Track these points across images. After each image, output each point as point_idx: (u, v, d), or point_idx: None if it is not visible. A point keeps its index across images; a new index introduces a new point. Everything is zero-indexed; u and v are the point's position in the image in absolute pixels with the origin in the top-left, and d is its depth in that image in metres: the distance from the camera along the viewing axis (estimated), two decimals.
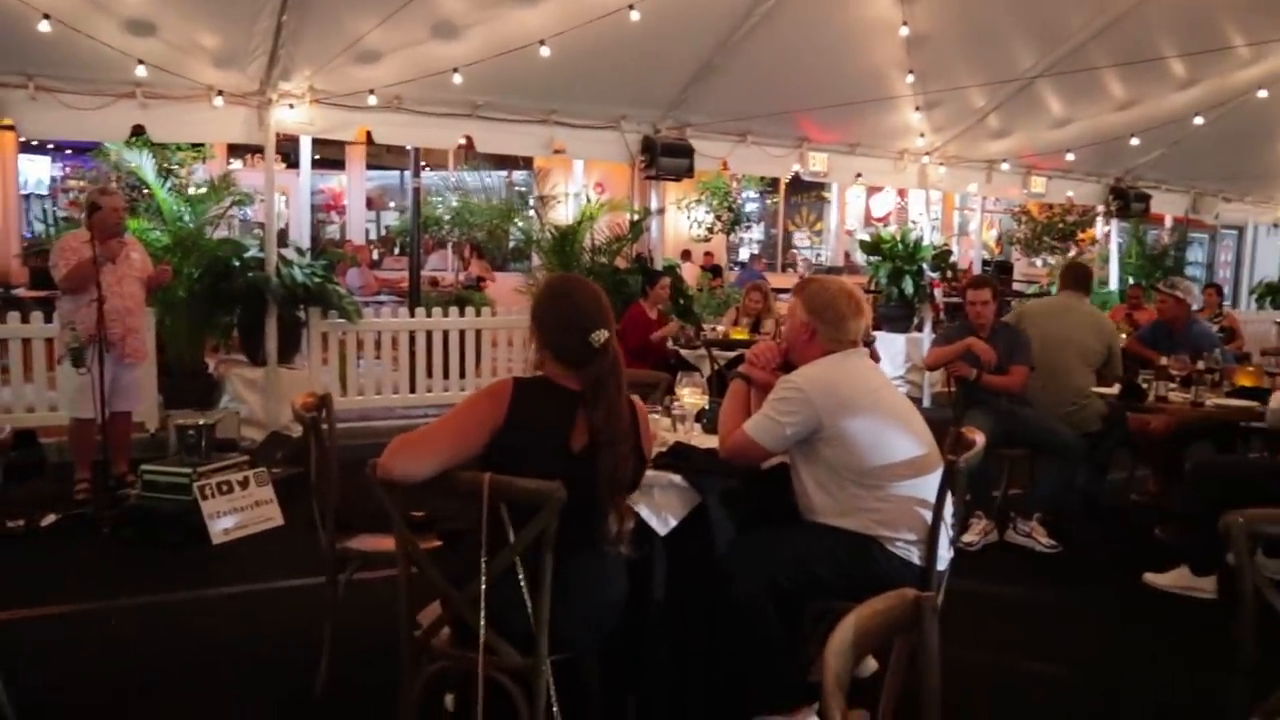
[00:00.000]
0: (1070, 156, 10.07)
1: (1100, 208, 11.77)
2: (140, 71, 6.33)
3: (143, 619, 4.11)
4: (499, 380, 2.58)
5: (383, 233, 16.11)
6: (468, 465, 2.45)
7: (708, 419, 3.64)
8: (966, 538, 5.22)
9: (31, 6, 5.63)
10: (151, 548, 4.99)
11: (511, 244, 12.18)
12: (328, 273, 7.72)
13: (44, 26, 5.70)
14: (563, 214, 9.64)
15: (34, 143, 12.25)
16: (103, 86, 6.49)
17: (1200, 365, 5.47)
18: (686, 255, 14.38)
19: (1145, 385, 5.45)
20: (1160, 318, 6.41)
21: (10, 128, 6.80)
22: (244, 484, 5.35)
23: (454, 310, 8.31)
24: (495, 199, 12.28)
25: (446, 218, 12.80)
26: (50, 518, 5.29)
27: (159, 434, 6.87)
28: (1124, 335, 6.75)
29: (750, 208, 16.66)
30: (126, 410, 5.93)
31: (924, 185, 10.07)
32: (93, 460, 5.70)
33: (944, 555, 2.99)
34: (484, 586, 2.37)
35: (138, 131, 6.77)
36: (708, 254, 15.00)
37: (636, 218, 8.90)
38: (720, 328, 8.29)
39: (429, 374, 8.07)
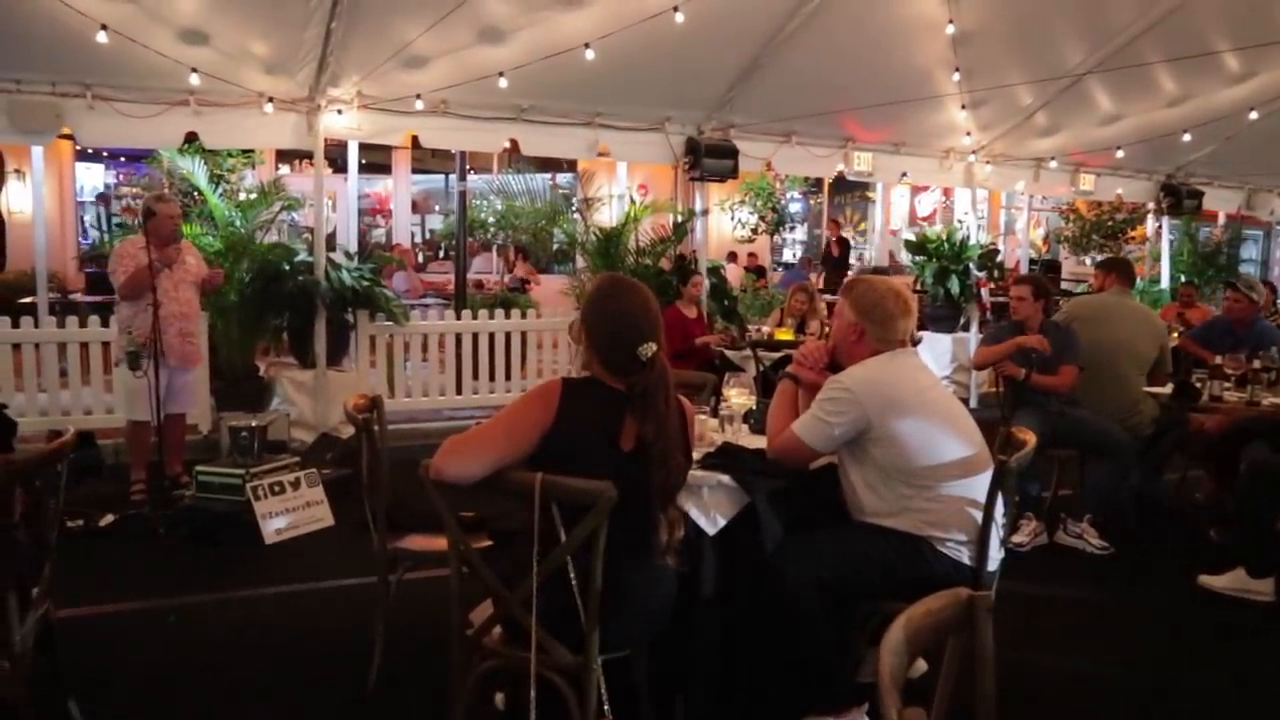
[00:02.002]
0: (1120, 153, 9.90)
1: (1150, 205, 11.56)
2: (193, 79, 6.43)
3: (198, 617, 4.16)
4: (548, 381, 2.60)
5: (428, 236, 16.24)
6: (518, 465, 2.47)
7: (755, 419, 3.64)
8: (1016, 539, 5.16)
9: (90, 18, 5.76)
10: (206, 547, 5.06)
11: (556, 246, 12.17)
12: (375, 276, 7.79)
13: (102, 37, 5.81)
14: (607, 216, 9.66)
15: (89, 150, 12.47)
16: (157, 95, 6.61)
17: (1256, 364, 5.37)
18: (732, 257, 14.35)
19: (1200, 385, 5.35)
20: (1227, 316, 6.29)
21: (69, 136, 6.90)
22: (295, 485, 5.42)
23: (499, 313, 8.33)
24: (540, 202, 12.28)
25: (491, 221, 12.84)
26: (108, 517, 5.38)
27: (212, 436, 6.97)
28: (1174, 334, 6.64)
29: (794, 208, 16.59)
30: (181, 412, 6.02)
31: (970, 184, 9.97)
32: (148, 461, 5.79)
33: (994, 556, 2.97)
34: (535, 586, 2.39)
35: (191, 138, 6.88)
36: (751, 255, 14.96)
37: (680, 219, 8.93)
38: (765, 329, 8.25)
39: (475, 376, 8.09)
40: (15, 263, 10.70)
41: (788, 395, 3.25)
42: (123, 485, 5.86)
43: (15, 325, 6.77)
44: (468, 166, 10.24)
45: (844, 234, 15.16)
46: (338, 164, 10.16)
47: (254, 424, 5.59)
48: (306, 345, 7.44)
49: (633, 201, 9.03)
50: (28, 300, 8.50)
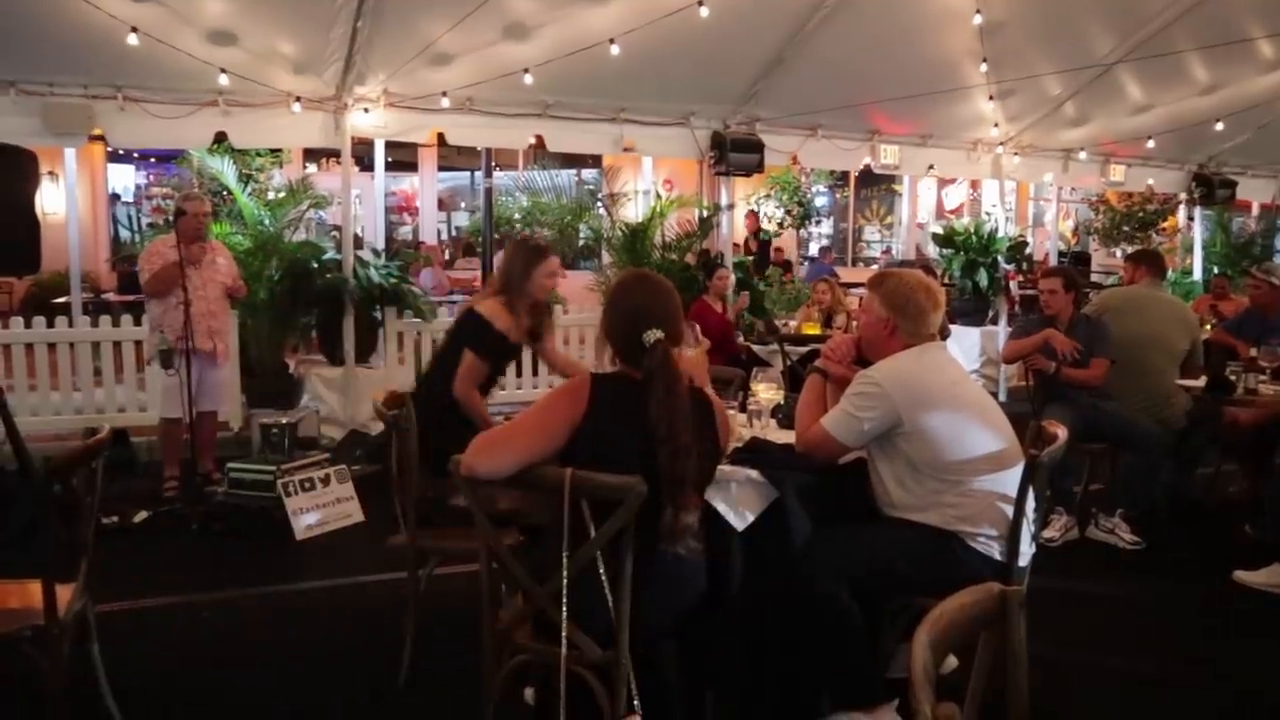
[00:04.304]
0: (1151, 143, 9.79)
1: (1182, 195, 11.43)
2: (222, 80, 6.49)
3: (231, 612, 4.21)
4: (577, 376, 2.62)
5: (454, 233, 16.26)
6: (549, 462, 2.49)
7: (784, 414, 3.62)
8: (1047, 534, 5.12)
9: (121, 20, 5.82)
10: (238, 543, 5.12)
11: (581, 242, 12.16)
12: (403, 273, 7.81)
13: (132, 40, 5.88)
14: (632, 212, 9.63)
15: (120, 151, 12.58)
16: (187, 95, 6.67)
17: None
18: (774, 254, 14.28)
19: (1234, 378, 5.29)
20: (1253, 304, 6.20)
21: (100, 138, 6.97)
22: (325, 481, 5.45)
23: None
24: (565, 198, 12.30)
25: (517, 217, 12.85)
26: (142, 514, 5.44)
27: (243, 433, 7.03)
28: (1208, 327, 6.55)
29: (820, 202, 16.52)
30: (212, 410, 6.07)
31: (998, 176, 9.89)
32: (181, 459, 5.86)
33: (1026, 551, 2.95)
34: (565, 582, 2.40)
35: (220, 138, 6.94)
36: (778, 249, 14.91)
37: (706, 214, 8.90)
38: (793, 323, 8.23)
39: (502, 372, 8.03)
40: (49, 263, 10.75)
41: (816, 390, 3.24)
42: (156, 482, 5.92)
43: (50, 325, 6.85)
44: (493, 163, 10.29)
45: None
46: (364, 162, 10.13)
47: (284, 421, 5.65)
48: (335, 342, 7.47)
49: (658, 196, 9.03)
50: (62, 300, 8.64)
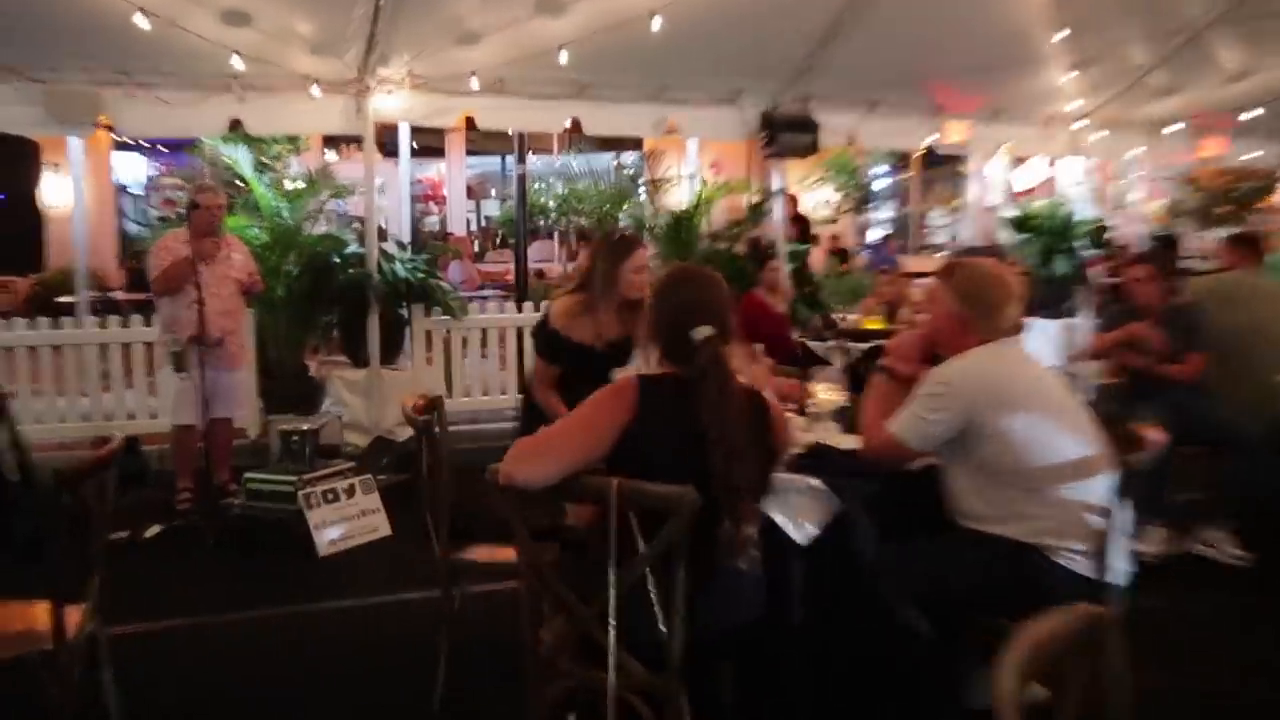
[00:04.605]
0: (1248, 115, 9.59)
1: None
2: (236, 63, 6.52)
3: (250, 633, 4.24)
4: (623, 378, 2.64)
5: (484, 223, 16.34)
6: (593, 469, 2.50)
7: (846, 417, 3.61)
8: (1141, 547, 5.02)
9: (128, 1, 5.86)
10: (257, 559, 5.18)
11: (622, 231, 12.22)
12: (430, 267, 7.83)
13: (140, 20, 5.92)
14: (676, 199, 9.61)
15: (129, 141, 12.67)
16: (198, 80, 6.73)
17: None
18: (812, 239, 14.17)
19: None
20: None
21: (108, 127, 7.05)
22: (350, 492, 5.49)
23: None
24: (604, 184, 12.26)
25: (552, 205, 12.88)
26: (154, 529, 5.51)
27: (260, 440, 7.09)
28: None
29: (880, 185, 16.37)
30: (227, 416, 6.12)
31: (1077, 153, 9.75)
32: (195, 468, 5.92)
33: (1122, 569, 2.88)
34: (614, 601, 2.39)
35: (234, 126, 6.99)
36: (834, 237, 14.79)
37: (756, 200, 8.83)
38: (852, 317, 8.17)
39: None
40: (54, 260, 10.99)
41: (882, 391, 3.22)
42: (168, 494, 5.97)
43: (55, 326, 6.96)
44: (526, 148, 10.28)
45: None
46: (388, 148, 10.26)
47: (305, 428, 5.69)
48: (358, 342, 7.51)
49: (704, 182, 8.97)
50: (68, 299, 8.73)
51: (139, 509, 5.70)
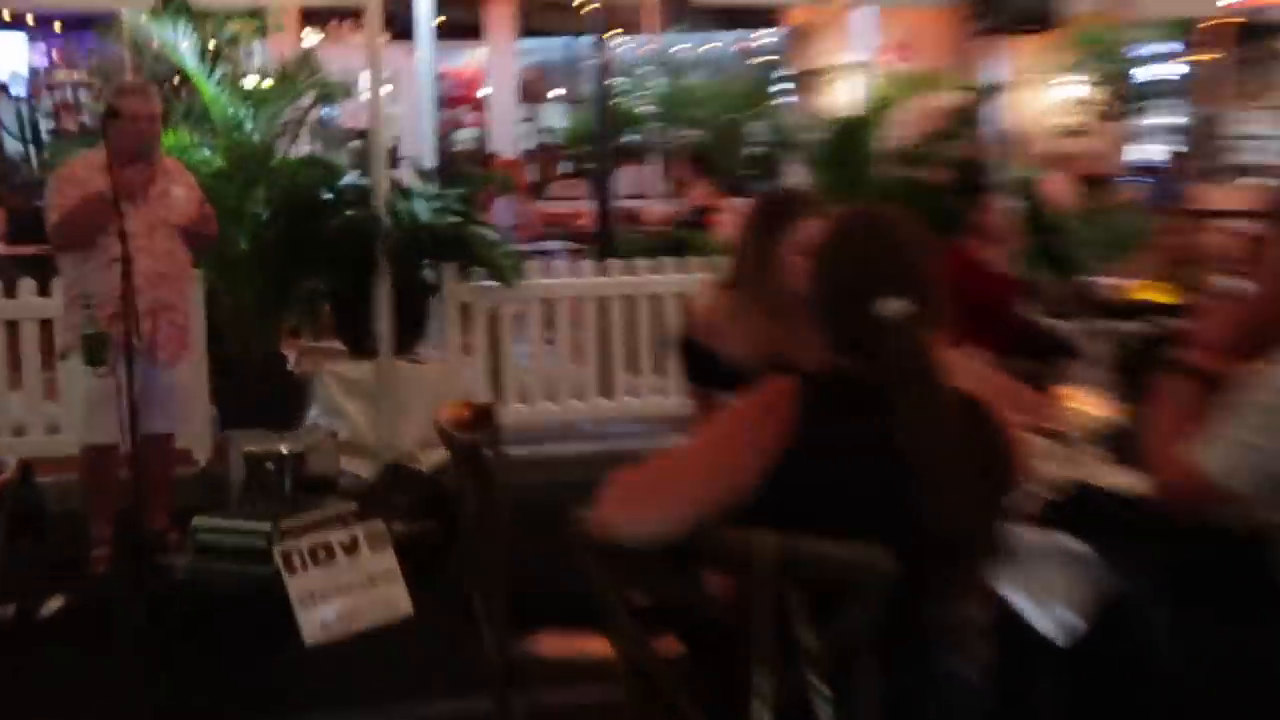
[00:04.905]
0: None
1: None
2: None
3: None
4: (771, 380, 2.57)
5: (545, 140, 16.47)
6: (727, 517, 2.44)
7: (1119, 441, 3.57)
8: None
9: None
10: (211, 650, 5.06)
11: (755, 152, 12.05)
12: (468, 207, 7.78)
13: None
14: (839, 100, 9.61)
15: (5, 16, 12.75)
16: None
17: None
18: (1055, 162, 13.87)
19: None
20: None
21: None
22: (350, 548, 5.37)
23: (669, 263, 8.22)
24: (726, 79, 12.32)
25: (649, 112, 12.81)
26: (54, 602, 5.43)
27: (214, 468, 7.08)
28: None
29: (1158, 75, 16.01)
30: (165, 431, 6.07)
31: None
32: (116, 510, 5.88)
33: None
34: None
35: None
36: (1087, 159, 14.49)
37: (963, 101, 8.82)
38: (1119, 281, 7.92)
39: (631, 368, 8.03)
40: None
41: (1178, 399, 2.98)
42: (77, 547, 5.93)
43: None
44: (608, 25, 10.30)
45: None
46: (400, 26, 10.14)
47: (284, 450, 5.74)
48: (360, 321, 7.51)
49: (883, 74, 8.96)
50: None
51: (32, 571, 5.71)
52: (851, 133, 8.59)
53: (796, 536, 2.33)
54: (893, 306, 2.45)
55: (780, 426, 2.45)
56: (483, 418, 3.49)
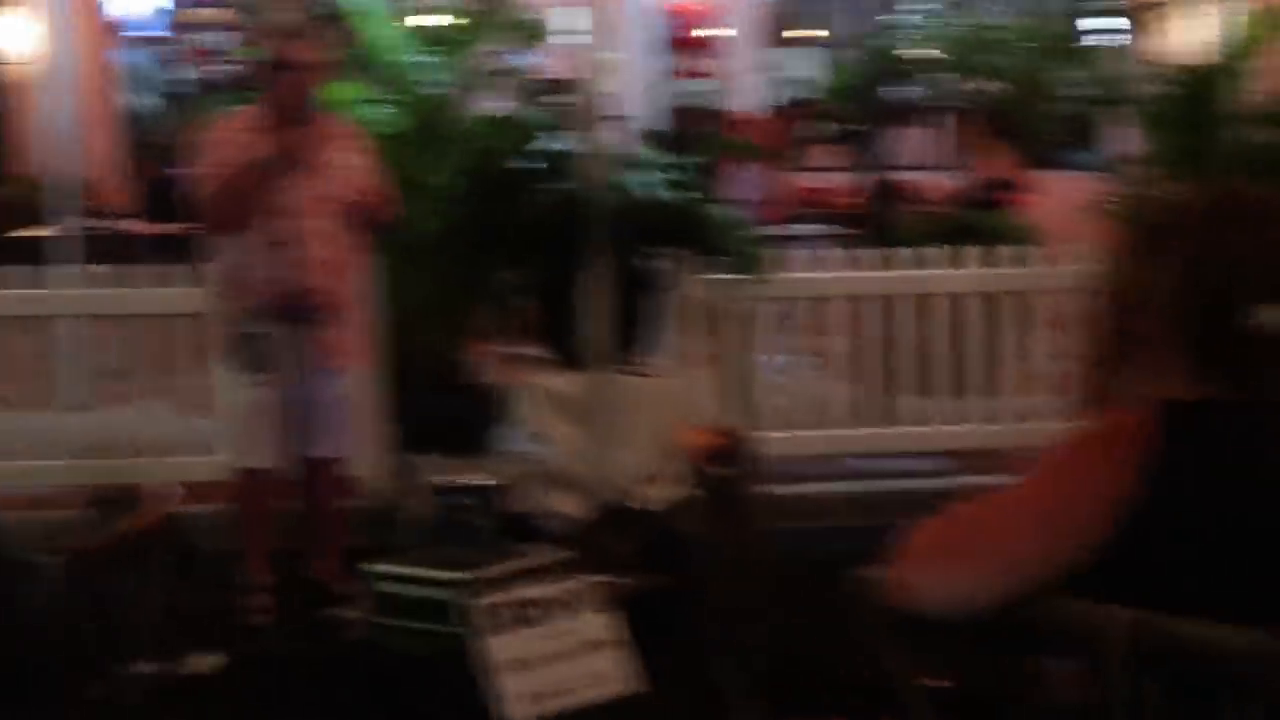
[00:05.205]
0: None
1: None
2: None
3: None
4: (1116, 413, 2.55)
5: (796, 96, 16.02)
6: (1060, 584, 2.41)
7: None
8: None
9: None
10: None
11: (1069, 110, 12.01)
12: (704, 179, 7.98)
13: None
14: (1183, 45, 9.31)
15: None
16: None
17: None
18: None
19: None
20: None
21: None
22: (564, 606, 5.50)
23: (971, 254, 8.28)
24: (1033, 17, 12.22)
25: (932, 59, 12.91)
26: (209, 660, 5.69)
27: (390, 501, 7.30)
28: None
29: None
30: (332, 455, 6.35)
31: None
32: (273, 549, 6.18)
33: None
34: None
35: None
36: None
37: None
38: None
39: (918, 387, 8.13)
40: (10, 162, 11.65)
41: None
42: (230, 595, 6.19)
43: (29, 284, 7.40)
44: None
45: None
46: None
47: (481, 483, 5.87)
48: (570, 322, 7.62)
49: (1248, 8, 8.92)
50: (33, 234, 9.27)
51: (181, 621, 5.72)
52: (1203, 85, 8.57)
53: (1160, 615, 2.31)
54: (1274, 316, 2.53)
55: (1127, 470, 2.42)
56: (737, 449, 3.55)
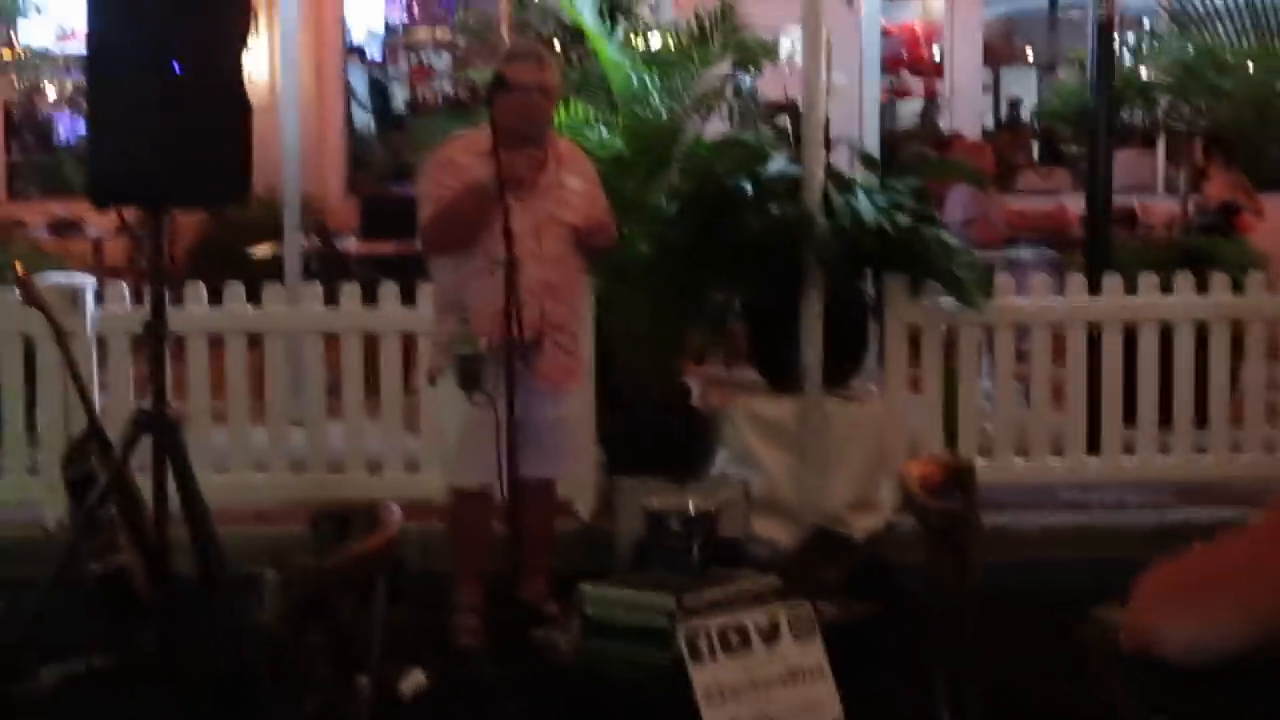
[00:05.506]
0: None
1: None
2: None
3: None
4: None
5: (1010, 115, 16.31)
6: None
7: None
8: None
9: None
10: None
11: None
12: (921, 204, 7.84)
13: None
14: None
15: None
16: None
17: None
18: None
19: None
20: None
21: None
22: (768, 633, 5.42)
23: (1184, 282, 8.07)
24: (1255, 39, 11.88)
25: (1159, 80, 12.56)
26: (416, 677, 5.66)
27: (600, 523, 7.44)
28: None
29: None
30: (547, 476, 6.37)
31: None
32: (483, 570, 6.21)
33: None
34: None
35: None
36: None
37: None
38: None
39: (1125, 418, 7.99)
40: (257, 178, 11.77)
41: None
42: (438, 611, 6.27)
43: (253, 300, 7.53)
44: None
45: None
46: None
47: (696, 509, 5.84)
48: (782, 346, 7.62)
49: None
50: (264, 252, 9.56)
51: (390, 638, 5.58)
52: None
53: None
54: None
55: None
56: (959, 479, 3.61)
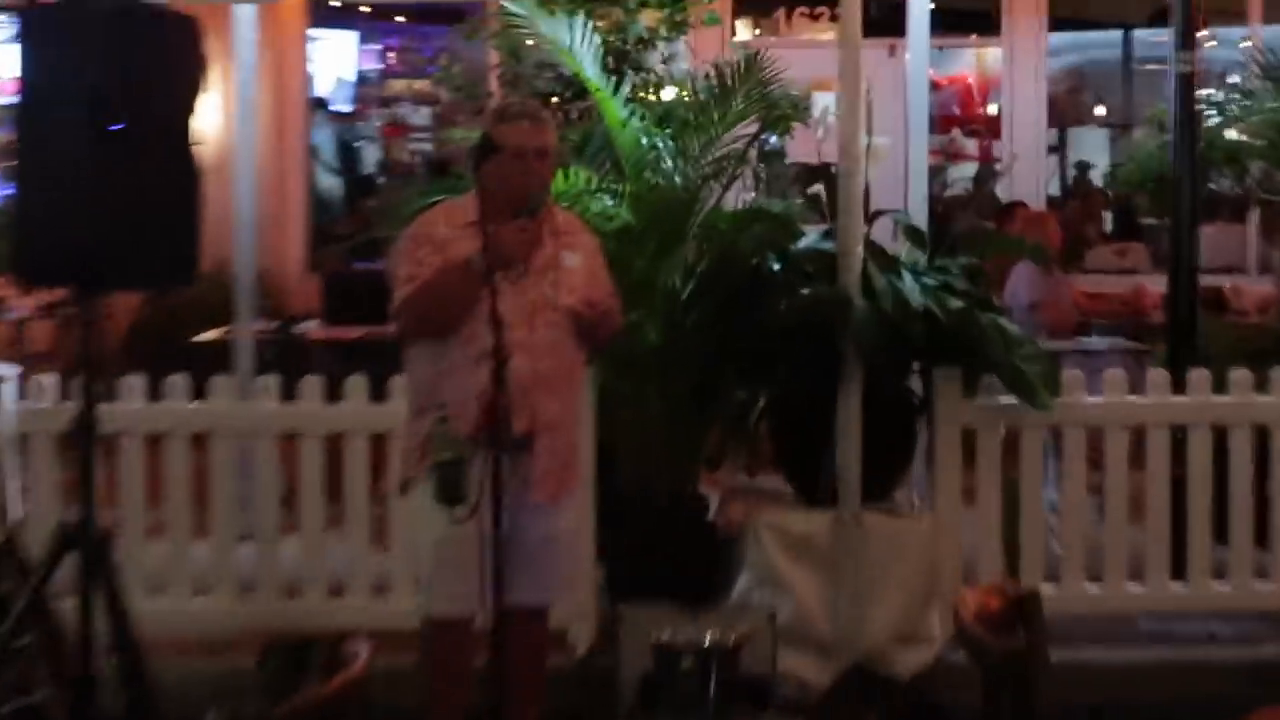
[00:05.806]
0: None
1: None
2: None
3: None
4: None
5: (1078, 178, 16.41)
6: None
7: None
8: None
9: None
10: None
11: None
12: (975, 285, 7.88)
13: None
14: None
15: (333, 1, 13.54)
16: None
17: None
18: None
19: None
20: None
21: None
22: None
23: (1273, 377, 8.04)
24: None
25: (1251, 143, 12.52)
26: None
27: (599, 656, 7.30)
28: None
29: None
30: (537, 604, 6.31)
31: None
32: (462, 713, 6.16)
33: None
34: None
35: None
36: None
37: None
38: None
39: (1215, 536, 7.95)
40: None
41: None
42: None
43: (199, 394, 7.58)
44: (1195, 10, 10.04)
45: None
46: (879, 18, 10.37)
47: (706, 638, 5.86)
48: (815, 450, 7.61)
49: None
50: (213, 336, 9.59)
51: None
52: None
53: None
54: None
55: None
56: (1022, 609, 3.50)
